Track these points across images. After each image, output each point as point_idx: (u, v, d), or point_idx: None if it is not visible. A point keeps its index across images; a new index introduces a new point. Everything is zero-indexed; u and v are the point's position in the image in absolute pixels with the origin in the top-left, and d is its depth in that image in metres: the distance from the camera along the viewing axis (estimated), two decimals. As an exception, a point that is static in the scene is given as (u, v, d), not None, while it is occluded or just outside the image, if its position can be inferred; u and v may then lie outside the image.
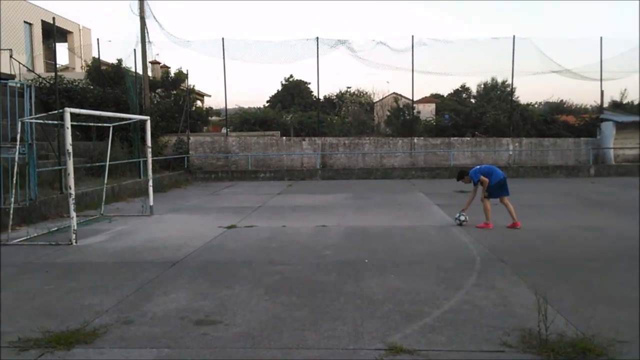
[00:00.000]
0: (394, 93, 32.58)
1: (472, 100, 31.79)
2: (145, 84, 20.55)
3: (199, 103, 30.77)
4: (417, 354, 3.88)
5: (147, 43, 20.77)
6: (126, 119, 12.82)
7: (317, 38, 23.23)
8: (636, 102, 27.69)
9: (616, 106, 26.60)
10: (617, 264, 6.60)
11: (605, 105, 25.23)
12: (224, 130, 25.98)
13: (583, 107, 31.21)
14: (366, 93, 35.79)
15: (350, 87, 35.58)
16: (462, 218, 9.49)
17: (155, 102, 24.08)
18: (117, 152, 16.24)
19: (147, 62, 21.45)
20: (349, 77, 49.60)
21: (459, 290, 5.46)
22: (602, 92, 24.23)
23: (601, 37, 23.16)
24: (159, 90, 25.34)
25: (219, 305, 5.11)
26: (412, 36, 23.23)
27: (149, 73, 23.44)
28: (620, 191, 15.36)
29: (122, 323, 4.64)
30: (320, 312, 4.84)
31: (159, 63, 28.42)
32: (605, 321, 4.50)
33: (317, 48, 23.22)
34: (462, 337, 4.19)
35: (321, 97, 28.09)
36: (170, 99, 25.01)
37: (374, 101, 34.81)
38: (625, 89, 27.75)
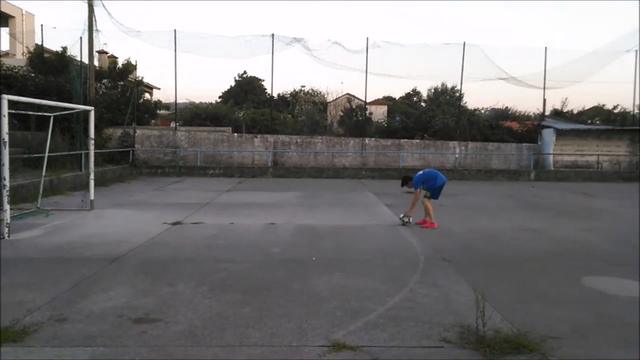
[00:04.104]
0: (347, 94, 32.87)
1: (423, 104, 32.58)
2: (91, 74, 19.72)
3: (147, 95, 29.90)
4: (359, 350, 3.91)
5: (94, 31, 19.93)
6: (68, 109, 12.27)
7: (273, 35, 23.07)
8: (576, 111, 29.26)
9: (557, 114, 27.98)
10: (552, 264, 6.91)
11: (547, 112, 26.45)
12: (172, 125, 25.34)
13: (526, 114, 32.62)
14: (320, 93, 35.92)
15: (304, 86, 35.62)
16: (406, 219, 9.72)
17: (101, 92, 23.19)
18: (57, 143, 15.49)
19: (94, 51, 20.58)
20: (303, 76, 49.68)
21: (403, 288, 5.56)
22: (544, 100, 25.42)
23: (546, 47, 24.27)
24: (105, 80, 24.42)
25: (160, 303, 4.96)
26: (367, 38, 23.54)
27: (96, 62, 22.50)
28: (558, 195, 16.14)
29: (55, 321, 4.41)
30: (265, 310, 4.79)
31: (107, 53, 27.37)
32: (539, 318, 4.70)
33: (272, 45, 23.05)
34: (404, 334, 4.26)
35: (275, 94, 27.98)
36: (117, 90, 24.15)
37: (328, 101, 34.98)
38: (566, 98, 29.30)
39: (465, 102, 28.78)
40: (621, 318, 4.77)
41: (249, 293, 5.31)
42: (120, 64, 25.62)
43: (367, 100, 25.76)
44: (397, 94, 37.06)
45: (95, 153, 11.91)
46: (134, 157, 21.58)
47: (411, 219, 9.71)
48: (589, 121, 28.69)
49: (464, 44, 23.71)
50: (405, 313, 4.77)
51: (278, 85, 53.17)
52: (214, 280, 5.76)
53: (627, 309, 5.04)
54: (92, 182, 11.28)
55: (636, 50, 24.35)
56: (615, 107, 29.37)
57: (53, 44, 22.95)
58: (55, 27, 22.27)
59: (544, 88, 24.68)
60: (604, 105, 30.34)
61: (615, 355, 3.97)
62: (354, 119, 26.48)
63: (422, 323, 4.51)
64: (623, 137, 24.71)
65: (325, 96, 35.84)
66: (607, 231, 9.55)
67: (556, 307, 5.04)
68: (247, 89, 37.27)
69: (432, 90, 33.82)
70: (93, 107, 12.11)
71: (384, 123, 27.45)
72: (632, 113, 26.79)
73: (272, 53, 23.11)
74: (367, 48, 23.42)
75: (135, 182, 18.23)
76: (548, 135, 24.09)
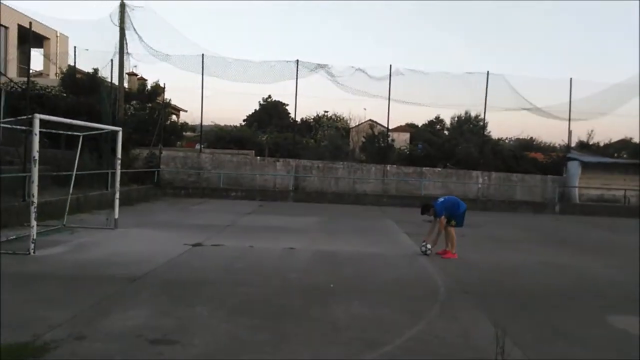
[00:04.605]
0: (370, 120, 33.09)
1: (446, 132, 32.54)
2: (121, 95, 20.34)
3: (174, 117, 30.57)
4: (375, 383, 3.86)
5: (125, 54, 20.67)
6: (98, 129, 12.60)
7: (297, 60, 23.48)
8: (602, 144, 28.81)
9: (583, 146, 27.59)
10: (576, 301, 6.74)
11: (573, 144, 26.11)
12: (197, 147, 25.78)
13: (551, 145, 32.29)
14: (343, 118, 36.27)
15: (327, 112, 36.02)
16: (426, 249, 9.54)
17: (130, 113, 23.77)
18: (85, 162, 15.87)
19: (124, 73, 21.28)
20: (326, 101, 50.11)
21: (422, 320, 5.48)
22: (570, 131, 25.11)
23: (571, 78, 24.07)
24: (134, 102, 25.07)
25: (178, 324, 4.99)
26: (390, 65, 23.69)
27: (125, 84, 23.24)
28: (583, 230, 15.79)
29: (74, 338, 4.47)
30: (282, 336, 4.78)
31: (136, 75, 28.22)
32: (561, 357, 4.58)
33: (297, 70, 23.43)
34: (422, 367, 4.19)
35: (298, 119, 28.27)
36: (145, 111, 24.73)
37: (350, 127, 35.23)
38: (592, 130, 28.92)
39: (489, 132, 28.71)
40: (648, 360, 4.61)
41: (267, 318, 5.30)
42: (149, 86, 26.33)
43: (390, 127, 25.84)
44: (420, 121, 37.13)
45: (121, 173, 12.17)
46: (158, 178, 21.95)
47: (431, 249, 9.56)
48: (616, 154, 28.20)
49: (488, 73, 23.71)
50: (423, 346, 4.70)
51: (301, 110, 53.87)
52: (232, 304, 5.77)
53: (655, 351, 4.88)
54: (117, 201, 11.50)
55: (664, 84, 23.95)
56: (642, 141, 28.84)
57: (85, 66, 23.75)
58: (87, 49, 22.97)
59: (569, 119, 24.41)
60: (631, 138, 29.86)
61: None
62: (376, 145, 26.54)
63: (441, 356, 4.43)
64: (651, 172, 24.11)
65: (348, 122, 36.16)
66: (631, 269, 9.28)
67: (579, 346, 4.90)
68: (271, 113, 37.86)
69: (455, 119, 33.80)
70: (121, 128, 12.42)
71: (406, 150, 27.43)
72: (660, 147, 26.25)
73: (297, 78, 23.48)
74: (390, 75, 23.60)
75: (159, 202, 18.52)
76: (574, 168, 23.71)
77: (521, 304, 6.42)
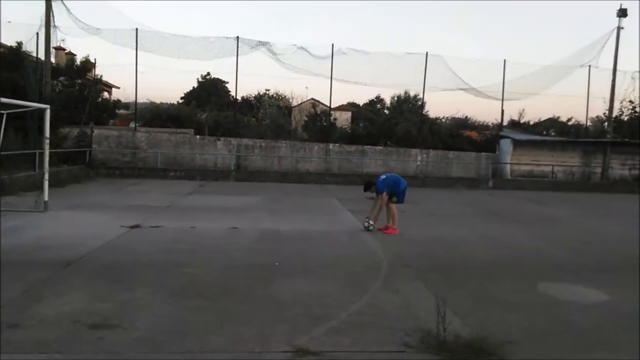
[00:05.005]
0: (312, 99, 33.02)
1: (386, 111, 33.01)
2: (47, 70, 19.08)
3: (106, 94, 29.05)
4: (322, 356, 3.91)
5: (52, 27, 19.34)
6: (23, 107, 11.77)
7: (238, 37, 22.90)
8: (532, 122, 30.35)
9: (514, 125, 28.95)
10: (509, 271, 7.12)
11: (505, 123, 27.30)
12: (132, 125, 24.73)
13: (485, 124, 33.64)
14: (285, 97, 35.93)
15: (269, 90, 35.51)
16: (369, 224, 9.74)
17: (58, 90, 22.40)
18: (10, 142, 14.81)
19: (51, 48, 19.93)
20: (268, 79, 49.35)
21: (365, 294, 5.59)
22: (502, 111, 26.20)
23: (504, 60, 25.02)
24: (62, 78, 23.58)
25: (117, 308, 4.81)
26: (332, 44, 23.63)
27: (52, 59, 21.76)
28: (515, 204, 16.66)
29: (7, 327, 4.21)
30: (227, 316, 4.73)
31: (64, 49, 26.49)
32: (497, 323, 4.83)
33: (237, 47, 22.87)
34: (366, 339, 4.28)
35: (239, 97, 27.76)
36: (74, 88, 23.38)
37: (292, 105, 35.01)
38: (523, 109, 30.38)
39: (427, 111, 29.41)
40: (573, 323, 4.96)
41: (210, 299, 5.22)
42: (78, 62, 24.82)
43: (332, 106, 25.92)
44: (361, 100, 37.38)
45: (50, 153, 11.48)
46: (91, 158, 20.91)
47: (373, 225, 9.75)
48: (545, 132, 29.84)
49: (427, 54, 24.20)
50: (368, 319, 4.80)
51: (242, 88, 52.79)
52: (174, 286, 5.63)
53: (578, 314, 5.25)
54: (46, 183, 10.86)
55: (589, 66, 25.47)
56: (569, 120, 30.74)
57: (8, 39, 22.04)
58: (10, 22, 21.31)
59: (502, 99, 25.45)
60: (558, 117, 31.69)
61: (565, 356, 4.12)
62: (318, 124, 26.59)
63: (384, 328, 4.55)
64: (576, 149, 25.76)
65: (290, 100, 35.89)
66: (560, 239, 9.92)
67: (513, 313, 5.18)
68: (210, 91, 36.85)
69: (395, 98, 34.32)
70: (49, 105, 11.68)
71: (348, 129, 27.67)
72: (585, 126, 28.02)
73: (237, 56, 22.94)
74: (332, 54, 23.56)
75: (92, 183, 17.68)
76: (506, 145, 24.85)
77: (459, 275, 6.70)
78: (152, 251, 7.39)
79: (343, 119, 30.86)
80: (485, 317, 4.99)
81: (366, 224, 9.77)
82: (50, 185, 11.18)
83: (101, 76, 25.49)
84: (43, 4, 19.14)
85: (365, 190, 10.10)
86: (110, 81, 29.60)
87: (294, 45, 23.69)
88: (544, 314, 5.18)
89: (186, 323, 4.50)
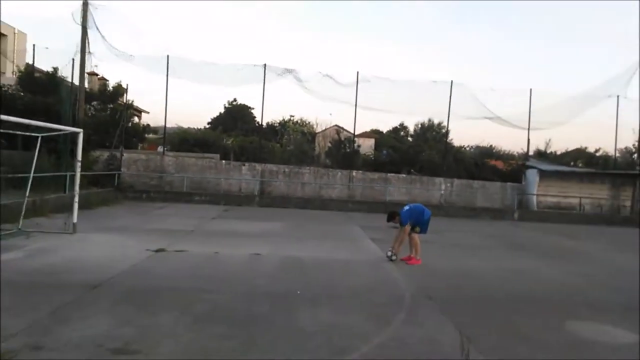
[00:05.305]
0: (336, 125, 33.22)
1: (410, 139, 33.02)
2: (81, 95, 19.74)
3: (136, 119, 29.88)
4: (344, 391, 3.85)
5: (87, 53, 20.08)
6: (57, 130, 12.17)
7: (265, 65, 23.40)
8: (559, 153, 29.90)
9: (541, 155, 28.56)
10: (536, 307, 6.93)
11: (531, 153, 26.96)
12: (160, 149, 25.25)
13: (511, 153, 33.25)
14: (309, 123, 36.31)
15: (293, 116, 35.96)
16: (391, 254, 9.65)
17: (90, 114, 23.11)
18: (43, 164, 15.30)
19: (85, 73, 20.67)
20: (293, 105, 50.13)
21: (388, 326, 5.52)
22: (528, 140, 25.94)
23: (530, 89, 24.87)
24: (95, 102, 24.37)
25: (141, 333, 4.86)
26: (357, 72, 23.90)
27: (86, 84, 22.56)
28: (541, 236, 16.31)
29: (31, 348, 4.29)
30: (250, 344, 4.72)
31: (97, 75, 27.44)
32: (523, 361, 4.69)
33: (264, 74, 23.36)
34: (389, 374, 4.21)
35: (264, 123, 28.13)
36: (106, 112, 24.10)
37: (316, 132, 35.29)
38: (549, 139, 30.02)
39: (452, 139, 29.29)
40: (604, 364, 4.79)
41: (233, 326, 5.23)
42: (110, 87, 25.66)
43: (356, 133, 26.04)
44: (385, 127, 37.52)
45: (80, 175, 11.79)
46: (119, 181, 21.39)
47: (397, 255, 9.67)
48: (572, 163, 29.33)
49: (451, 82, 24.26)
50: (390, 352, 4.73)
51: (268, 114, 53.65)
52: (197, 312, 5.66)
53: (609, 355, 5.07)
54: (76, 205, 11.13)
55: (617, 96, 25.11)
56: (597, 151, 30.14)
57: (44, 65, 22.99)
58: (47, 48, 22.24)
59: (529, 129, 25.20)
60: (586, 148, 31.10)
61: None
62: (342, 150, 26.69)
63: (407, 363, 4.47)
64: (605, 181, 25.21)
65: (314, 127, 36.22)
66: (589, 274, 9.65)
67: (541, 351, 5.04)
68: (236, 117, 37.52)
69: (419, 126, 34.37)
70: (81, 129, 12.05)
71: (371, 156, 27.69)
72: (613, 157, 27.45)
73: (264, 82, 23.41)
74: (357, 82, 23.83)
75: (120, 206, 18.03)
76: (532, 176, 24.48)
77: (484, 309, 6.56)
78: (176, 276, 7.46)
79: (367, 146, 30.92)
80: (511, 355, 4.86)
81: (389, 253, 9.70)
82: (79, 208, 11.45)
83: (132, 101, 26.29)
84: (79, 31, 19.95)
85: (389, 220, 10.06)
86: (141, 106, 30.49)
87: (320, 72, 24.09)
88: (572, 354, 5.02)
89: (208, 350, 4.51)
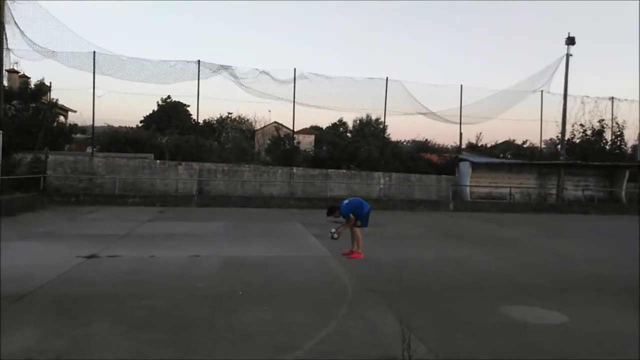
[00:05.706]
0: (275, 122, 33.07)
1: (349, 135, 33.39)
2: (0, 94, 18.38)
3: (62, 119, 28.26)
4: (288, 390, 3.81)
5: (5, 49, 18.73)
6: (-29, 132, 11.29)
7: (199, 61, 22.86)
8: (489, 145, 31.31)
9: (472, 148, 29.78)
10: (472, 294, 7.20)
11: (463, 146, 28.06)
12: (89, 150, 24.04)
13: (445, 147, 34.45)
14: (247, 120, 35.88)
15: (231, 113, 35.38)
16: (333, 232, 9.69)
17: (10, 114, 21.60)
18: (-43, 168, 14.16)
19: (4, 70, 19.28)
20: (230, 103, 49.25)
21: (331, 321, 5.53)
22: (460, 134, 26.98)
23: (461, 85, 25.93)
24: (15, 102, 22.80)
25: (72, 344, 4.58)
26: (294, 69, 23.90)
27: (5, 82, 21.04)
28: (475, 225, 17.01)
29: (-54, 371, 3.93)
30: (189, 350, 4.57)
31: (18, 72, 25.69)
32: (461, 348, 4.85)
33: (199, 71, 22.82)
34: (333, 370, 4.21)
35: (200, 120, 27.47)
36: (28, 112, 22.64)
37: (255, 129, 34.95)
38: (480, 133, 31.37)
39: (389, 134, 29.96)
40: (534, 345, 5.03)
41: (172, 332, 5.04)
42: (32, 85, 24.12)
43: (295, 129, 26.02)
44: (324, 124, 37.72)
45: (1, 179, 11.00)
46: (45, 185, 20.15)
47: (337, 235, 9.67)
48: (501, 155, 30.82)
49: (387, 79, 24.79)
50: (333, 347, 4.73)
51: (204, 111, 52.43)
52: (132, 319, 5.41)
53: (540, 335, 5.33)
54: (-4, 212, 10.37)
55: (542, 91, 26.64)
56: (524, 142, 31.86)
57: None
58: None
59: (460, 123, 26.23)
60: (514, 140, 32.80)
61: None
62: (281, 147, 26.61)
63: (350, 356, 4.49)
64: (532, 171, 26.69)
65: (253, 124, 35.83)
66: (520, 260, 10.15)
67: (477, 336, 5.22)
68: (171, 114, 36.42)
69: (358, 122, 34.81)
70: (1, 130, 11.24)
71: (311, 152, 27.77)
72: (539, 148, 29.10)
73: (198, 79, 22.90)
74: (294, 78, 23.79)
75: (46, 211, 17.00)
76: (465, 168, 25.48)
77: (423, 298, 6.73)
78: (109, 282, 7.11)
79: (306, 143, 31.01)
80: (449, 342, 5.00)
81: (333, 231, 9.70)
82: (1, 214, 10.67)
83: (57, 100, 24.84)
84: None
85: (329, 215, 10.08)
86: (67, 105, 28.86)
87: (256, 69, 23.83)
88: (506, 337, 5.24)
89: (146, 359, 4.32)
